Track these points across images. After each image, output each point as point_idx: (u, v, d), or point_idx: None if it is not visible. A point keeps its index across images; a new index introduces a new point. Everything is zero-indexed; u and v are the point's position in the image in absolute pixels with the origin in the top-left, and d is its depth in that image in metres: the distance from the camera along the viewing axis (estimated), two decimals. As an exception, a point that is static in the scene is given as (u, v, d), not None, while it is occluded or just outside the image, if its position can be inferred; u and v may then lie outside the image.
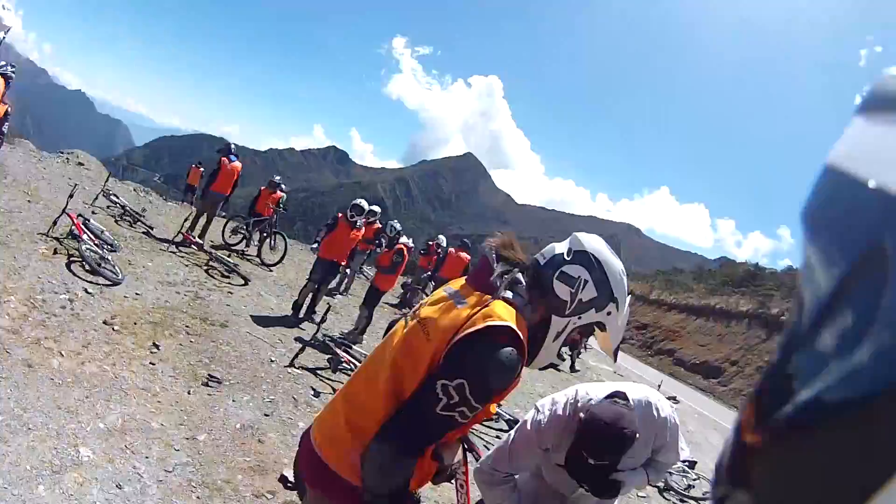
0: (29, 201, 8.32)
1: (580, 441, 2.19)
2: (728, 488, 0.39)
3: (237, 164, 11.33)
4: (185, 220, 10.59)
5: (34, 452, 3.14)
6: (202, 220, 11.02)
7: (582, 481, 2.38)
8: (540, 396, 3.08)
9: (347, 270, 11.88)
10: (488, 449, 2.71)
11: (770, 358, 0.40)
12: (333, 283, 10.83)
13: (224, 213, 13.27)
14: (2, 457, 3.01)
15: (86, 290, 5.72)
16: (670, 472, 7.04)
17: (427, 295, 1.92)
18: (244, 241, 11.88)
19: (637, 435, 2.15)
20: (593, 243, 1.81)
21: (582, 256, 1.78)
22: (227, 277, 8.73)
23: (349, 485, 1.75)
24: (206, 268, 8.66)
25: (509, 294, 1.71)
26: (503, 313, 1.64)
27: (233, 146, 11.73)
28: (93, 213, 9.30)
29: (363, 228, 9.29)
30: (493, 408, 1.93)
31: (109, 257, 6.66)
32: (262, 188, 12.46)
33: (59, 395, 3.73)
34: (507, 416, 6.40)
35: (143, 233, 9.63)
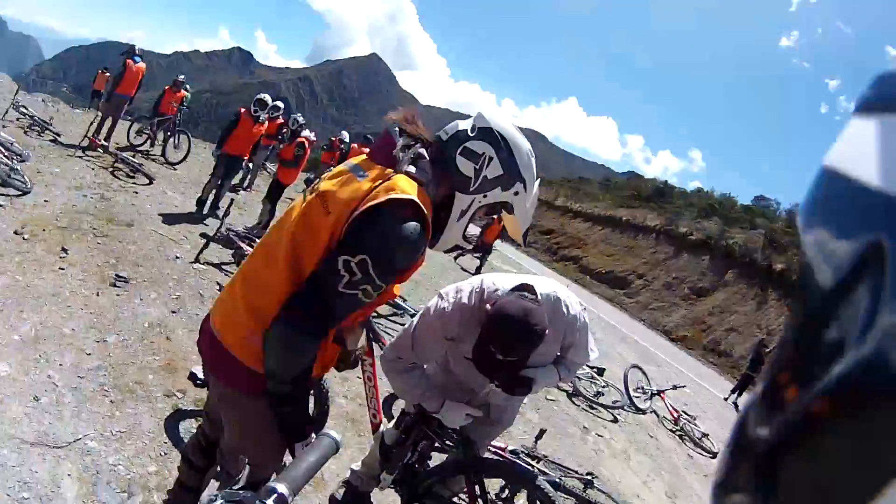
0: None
1: (488, 336, 2.13)
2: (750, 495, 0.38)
3: (141, 65, 11.18)
4: (91, 124, 10.56)
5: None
6: (108, 123, 10.91)
7: (491, 377, 2.35)
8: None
9: (250, 165, 11.86)
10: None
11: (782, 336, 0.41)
12: (237, 179, 11.07)
13: (130, 116, 13.28)
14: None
15: (-5, 203, 5.64)
16: (579, 378, 7.22)
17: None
18: (148, 141, 12.01)
19: (546, 332, 2.10)
20: (499, 121, 1.75)
21: (487, 133, 1.72)
22: (133, 178, 8.82)
23: (251, 370, 1.68)
24: (111, 170, 8.71)
25: (412, 169, 1.65)
26: (406, 187, 1.58)
27: (137, 48, 11.48)
28: (3, 126, 9.11)
29: (266, 123, 9.35)
30: (397, 289, 1.87)
31: (19, 167, 6.53)
32: (167, 87, 12.46)
33: (-29, 311, 3.64)
34: (412, 311, 6.31)
35: (51, 141, 9.66)
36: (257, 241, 7.36)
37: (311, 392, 3.23)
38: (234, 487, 2.10)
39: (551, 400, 6.44)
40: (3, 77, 18.01)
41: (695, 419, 8.49)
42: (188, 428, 3.21)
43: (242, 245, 6.54)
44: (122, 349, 3.78)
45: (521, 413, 5.28)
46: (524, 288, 2.27)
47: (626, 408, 7.53)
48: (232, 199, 7.43)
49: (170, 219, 7.37)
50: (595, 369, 7.71)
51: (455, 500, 2.86)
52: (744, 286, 24.18)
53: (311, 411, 3.16)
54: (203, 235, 6.88)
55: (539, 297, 2.24)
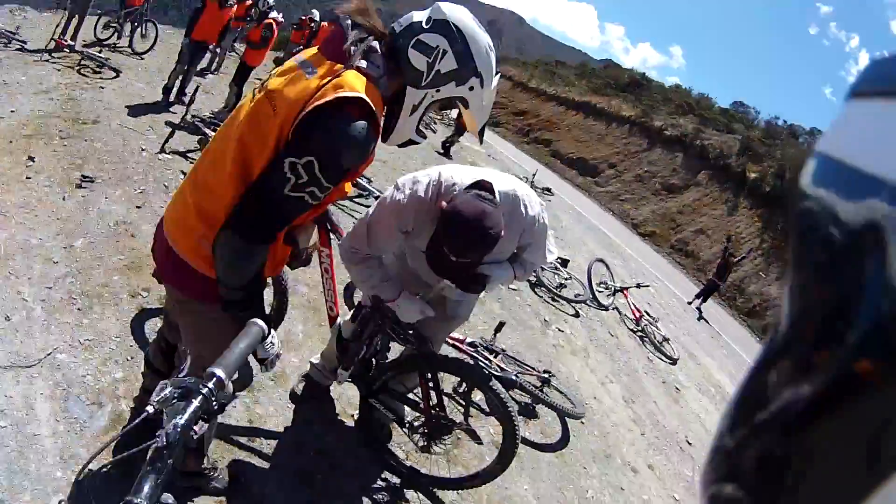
0: None
1: (441, 236, 2.09)
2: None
3: None
4: (57, 25, 9.97)
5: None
6: (74, 22, 10.31)
7: (443, 275, 2.35)
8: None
9: (218, 50, 11.69)
10: None
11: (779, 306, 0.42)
12: (204, 63, 10.91)
13: (98, 10, 12.46)
14: None
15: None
16: (542, 269, 7.13)
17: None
18: (115, 34, 11.50)
19: (501, 234, 2.06)
20: (456, 13, 1.68)
21: (442, 26, 1.65)
22: (99, 73, 8.55)
23: (204, 276, 1.69)
24: (77, 68, 8.40)
25: (363, 63, 1.60)
26: (355, 83, 1.54)
27: None
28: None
29: (235, 6, 9.09)
30: (349, 187, 1.85)
31: (-17, 83, 6.22)
32: (133, -24, 11.97)
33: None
34: (377, 193, 6.23)
35: (18, 49, 9.05)
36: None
37: (273, 288, 3.20)
38: (179, 375, 2.12)
39: (513, 290, 6.45)
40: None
41: (657, 321, 8.62)
42: (153, 328, 3.20)
43: (208, 131, 6.49)
44: (88, 252, 3.72)
45: (482, 302, 5.35)
46: (483, 185, 2.19)
47: (588, 302, 7.59)
48: (198, 85, 7.27)
49: (136, 110, 7.20)
50: (559, 260, 7.61)
51: (410, 395, 2.90)
52: (716, 189, 24.41)
53: (269, 309, 3.16)
54: (168, 124, 6.69)
55: (497, 195, 2.18)
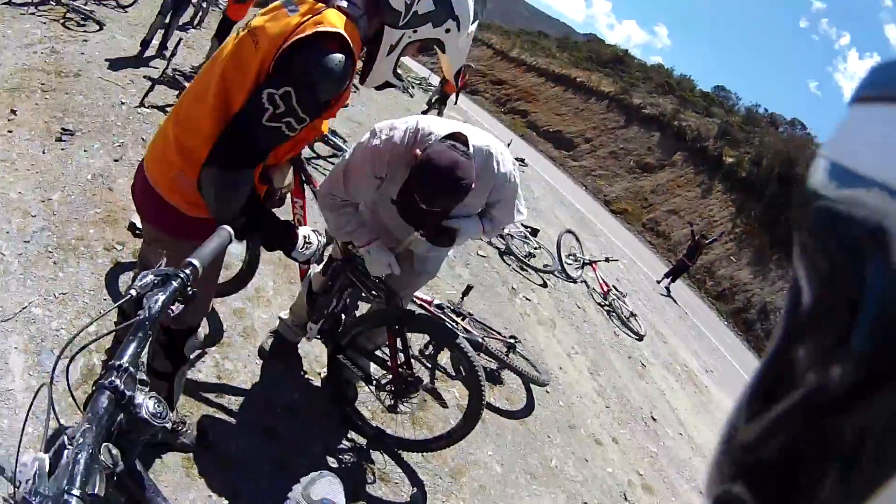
0: None
1: (412, 183, 2.12)
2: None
3: None
4: None
5: None
6: None
7: (413, 224, 2.38)
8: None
9: (204, 4, 11.28)
10: None
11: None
12: (187, 17, 10.51)
13: None
14: None
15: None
16: (512, 236, 7.18)
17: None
18: None
19: (472, 186, 2.09)
20: None
21: None
22: (83, 25, 8.26)
23: (179, 212, 1.74)
24: (62, 21, 8.09)
25: (344, 3, 1.64)
26: (334, 20, 1.58)
27: None
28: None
29: None
30: (325, 126, 1.90)
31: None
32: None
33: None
34: None
35: (5, 3, 8.67)
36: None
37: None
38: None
39: (482, 256, 6.48)
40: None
41: (624, 296, 8.72)
42: (127, 281, 3.18)
43: (188, 85, 6.17)
44: (65, 206, 3.68)
45: (450, 267, 5.40)
46: (458, 137, 2.22)
47: (556, 273, 7.62)
48: (180, 39, 7.19)
49: (117, 64, 7.05)
50: (529, 229, 7.59)
51: (378, 352, 2.91)
52: (691, 171, 24.66)
53: (241, 263, 3.17)
54: (148, 78, 6.61)
55: (471, 149, 2.20)
